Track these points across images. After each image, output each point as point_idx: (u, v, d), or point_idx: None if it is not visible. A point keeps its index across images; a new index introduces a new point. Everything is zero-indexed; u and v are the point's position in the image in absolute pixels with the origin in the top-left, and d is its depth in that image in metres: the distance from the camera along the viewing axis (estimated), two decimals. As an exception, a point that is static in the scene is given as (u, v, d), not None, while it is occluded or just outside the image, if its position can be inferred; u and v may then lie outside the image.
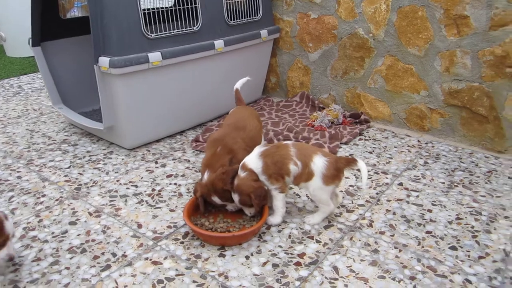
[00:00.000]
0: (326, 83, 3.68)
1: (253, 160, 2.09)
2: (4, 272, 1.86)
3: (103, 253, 1.98)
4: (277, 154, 2.08)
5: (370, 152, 2.93)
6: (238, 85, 2.78)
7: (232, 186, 2.08)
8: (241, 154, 2.23)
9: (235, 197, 2.07)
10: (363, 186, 2.03)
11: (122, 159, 2.90)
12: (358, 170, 2.07)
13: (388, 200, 2.38)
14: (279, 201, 2.14)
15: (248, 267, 1.88)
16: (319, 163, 2.06)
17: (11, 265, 1.89)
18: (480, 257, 1.93)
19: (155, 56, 2.77)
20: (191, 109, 3.26)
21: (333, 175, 2.06)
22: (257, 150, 2.12)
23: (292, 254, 1.97)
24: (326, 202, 2.14)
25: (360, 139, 3.17)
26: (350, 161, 2.09)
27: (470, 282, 1.80)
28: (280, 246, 2.02)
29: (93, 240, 2.07)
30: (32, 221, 2.22)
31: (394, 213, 2.26)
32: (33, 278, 1.82)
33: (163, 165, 2.81)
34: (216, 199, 2.14)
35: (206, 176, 2.16)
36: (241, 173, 2.07)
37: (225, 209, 2.21)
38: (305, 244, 2.03)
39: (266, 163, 2.06)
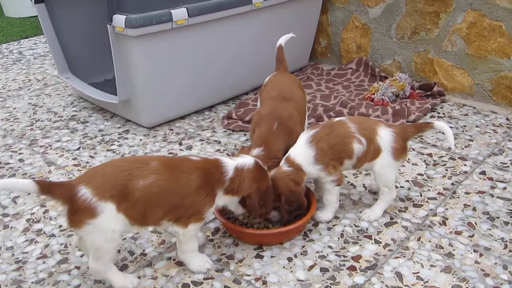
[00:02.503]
0: (390, 46, 3.61)
1: (301, 151, 2.07)
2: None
3: (118, 251, 2.04)
4: (333, 135, 2.07)
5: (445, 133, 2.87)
6: (282, 40, 2.76)
7: None
8: (299, 131, 2.27)
9: None
10: (451, 146, 2.12)
11: (140, 139, 2.97)
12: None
13: (467, 193, 2.34)
14: (333, 195, 2.14)
15: (291, 271, 1.90)
16: (385, 135, 2.07)
17: (13, 263, 1.99)
18: None
19: (179, 13, 2.80)
20: (222, 79, 3.29)
21: (403, 148, 2.10)
22: (304, 136, 2.11)
23: (345, 256, 1.97)
24: (392, 185, 2.15)
25: (432, 117, 3.11)
26: (422, 127, 2.14)
27: None
28: (330, 247, 2.03)
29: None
30: (37, 212, 2.32)
31: (474, 209, 2.23)
32: (38, 278, 1.92)
33: (189, 147, 2.86)
34: None
35: (255, 153, 2.19)
36: (284, 167, 2.07)
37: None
38: (361, 245, 2.03)
39: (320, 149, 2.05)
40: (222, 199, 1.88)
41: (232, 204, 1.95)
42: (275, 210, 2.08)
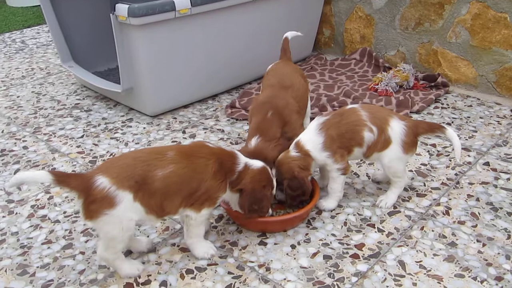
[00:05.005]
0: (394, 37, 3.61)
1: (310, 137, 2.08)
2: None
3: (122, 237, 2.06)
4: (344, 123, 2.08)
5: (449, 124, 2.88)
6: (288, 34, 2.79)
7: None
8: (295, 120, 2.28)
9: (273, 173, 2.09)
10: (457, 158, 2.12)
11: (144, 127, 2.98)
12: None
13: (471, 183, 2.35)
14: (338, 184, 2.15)
15: (294, 258, 1.92)
16: (397, 128, 2.07)
17: (18, 247, 2.01)
18: None
19: (182, 3, 2.79)
20: (225, 69, 3.29)
21: (413, 142, 2.10)
22: (316, 122, 2.11)
23: (348, 244, 1.99)
24: (401, 174, 2.16)
25: (435, 107, 3.11)
26: (434, 127, 2.12)
27: None
28: (333, 235, 2.04)
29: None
30: (42, 198, 2.33)
31: (477, 199, 2.23)
32: (43, 263, 1.93)
33: (192, 136, 2.87)
34: None
35: (254, 142, 2.20)
36: (293, 152, 2.08)
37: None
38: (364, 233, 2.04)
39: (329, 136, 2.06)
40: (227, 194, 1.90)
41: (233, 201, 1.97)
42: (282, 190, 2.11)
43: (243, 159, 1.91)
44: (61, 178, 1.63)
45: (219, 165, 1.82)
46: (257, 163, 1.94)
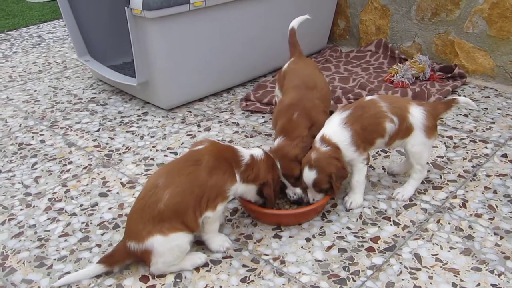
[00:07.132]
0: (410, 28, 3.57)
1: (337, 131, 2.05)
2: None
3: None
4: (366, 117, 2.06)
5: (466, 115, 2.85)
6: (294, 23, 2.71)
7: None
8: (322, 121, 2.21)
9: (310, 174, 2.02)
10: (473, 107, 2.26)
11: (159, 121, 2.99)
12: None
13: (488, 176, 2.32)
14: (362, 174, 2.13)
15: (309, 252, 1.91)
16: (417, 114, 2.08)
17: (36, 240, 2.03)
18: None
19: (197, -4, 2.79)
20: (240, 61, 3.28)
21: (434, 126, 2.11)
22: (338, 117, 2.08)
23: (363, 237, 1.97)
24: (424, 163, 2.16)
25: (452, 99, 3.07)
26: (449, 103, 2.17)
27: None
28: (348, 228, 2.03)
29: (127, 215, 2.16)
30: (58, 192, 2.35)
31: (495, 192, 2.21)
32: (60, 255, 1.95)
33: (207, 129, 2.87)
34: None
35: (277, 142, 2.18)
36: (322, 147, 2.04)
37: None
38: (379, 226, 2.03)
39: (355, 131, 2.04)
40: (240, 187, 1.90)
41: (249, 193, 1.97)
42: (320, 191, 2.07)
43: (245, 152, 1.92)
44: (110, 261, 1.81)
45: (215, 159, 1.82)
46: (259, 152, 1.97)
